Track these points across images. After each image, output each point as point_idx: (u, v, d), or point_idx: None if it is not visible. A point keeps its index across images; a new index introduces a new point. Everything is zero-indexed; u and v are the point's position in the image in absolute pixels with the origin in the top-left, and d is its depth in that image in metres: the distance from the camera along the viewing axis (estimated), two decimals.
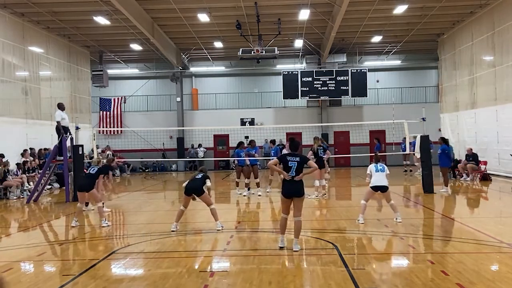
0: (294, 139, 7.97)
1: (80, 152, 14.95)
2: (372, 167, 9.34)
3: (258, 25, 20.93)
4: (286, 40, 24.48)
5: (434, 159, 14.70)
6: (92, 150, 16.56)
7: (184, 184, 9.15)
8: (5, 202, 15.22)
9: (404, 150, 19.77)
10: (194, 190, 9.00)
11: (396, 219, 9.26)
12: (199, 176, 9.11)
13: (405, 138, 17.98)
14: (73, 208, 12.42)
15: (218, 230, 8.94)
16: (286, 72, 27.69)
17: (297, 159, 7.28)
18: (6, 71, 18.46)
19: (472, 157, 18.25)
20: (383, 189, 9.17)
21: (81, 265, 6.80)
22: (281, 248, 7.29)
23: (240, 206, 13.39)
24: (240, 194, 14.81)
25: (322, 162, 13.77)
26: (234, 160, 16.07)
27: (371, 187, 9.25)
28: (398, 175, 21.72)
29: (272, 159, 8.67)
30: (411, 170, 22.04)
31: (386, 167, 9.38)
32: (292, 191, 7.22)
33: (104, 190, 13.30)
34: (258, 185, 14.75)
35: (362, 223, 9.20)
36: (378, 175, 9.18)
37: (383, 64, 29.26)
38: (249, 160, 14.64)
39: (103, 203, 11.55)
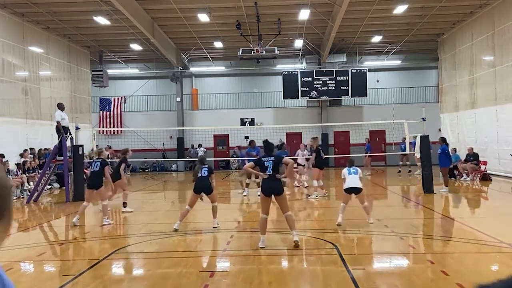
0: (267, 141, 8.13)
1: (80, 152, 14.97)
2: (345, 171, 9.44)
3: (258, 25, 20.92)
4: (286, 40, 24.46)
5: (433, 159, 14.68)
6: (92, 150, 16.55)
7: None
8: None
9: (404, 150, 19.79)
10: (204, 189, 9.06)
11: (369, 220, 9.20)
12: (206, 173, 9.07)
13: (404, 138, 17.98)
14: (73, 208, 12.43)
15: (214, 227, 9.08)
16: (286, 72, 27.66)
17: (272, 158, 7.62)
18: (6, 71, 18.44)
19: (473, 156, 18.25)
20: (356, 190, 9.24)
21: (81, 265, 6.79)
22: (261, 248, 7.34)
23: (241, 206, 13.40)
24: (241, 193, 14.83)
25: (323, 162, 13.76)
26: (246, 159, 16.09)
27: (345, 189, 9.32)
28: (398, 175, 21.75)
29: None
30: (410, 170, 22.01)
31: (359, 170, 9.46)
32: (271, 189, 7.46)
33: (116, 192, 13.06)
34: (258, 185, 14.72)
35: (339, 225, 9.02)
36: (351, 178, 9.25)
37: (383, 64, 29.22)
38: (248, 160, 14.64)
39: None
